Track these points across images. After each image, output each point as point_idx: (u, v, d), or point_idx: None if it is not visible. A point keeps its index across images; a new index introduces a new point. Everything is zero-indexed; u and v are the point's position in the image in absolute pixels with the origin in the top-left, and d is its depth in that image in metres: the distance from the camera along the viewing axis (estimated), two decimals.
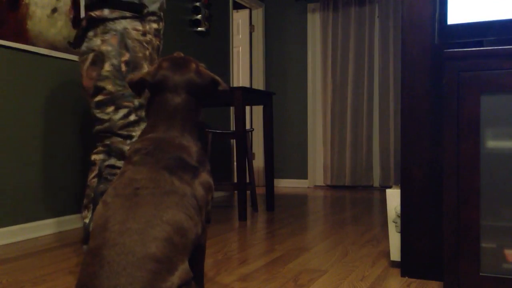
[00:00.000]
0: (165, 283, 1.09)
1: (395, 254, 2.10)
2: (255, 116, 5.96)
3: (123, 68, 1.93)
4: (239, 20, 5.92)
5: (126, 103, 1.95)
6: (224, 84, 1.49)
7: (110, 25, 1.94)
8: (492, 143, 1.64)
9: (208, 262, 2.25)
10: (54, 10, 3.05)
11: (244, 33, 5.92)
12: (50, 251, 2.55)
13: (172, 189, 1.25)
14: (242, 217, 3.43)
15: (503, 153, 1.63)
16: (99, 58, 1.93)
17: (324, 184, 5.61)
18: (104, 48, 1.93)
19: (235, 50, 5.83)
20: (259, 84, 5.81)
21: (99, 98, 1.94)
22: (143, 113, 1.98)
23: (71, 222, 3.18)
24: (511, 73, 1.59)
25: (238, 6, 5.76)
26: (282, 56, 5.79)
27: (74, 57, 3.21)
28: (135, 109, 1.96)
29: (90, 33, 1.97)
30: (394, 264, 2.19)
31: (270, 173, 3.80)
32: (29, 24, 2.89)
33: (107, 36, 1.93)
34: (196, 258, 1.37)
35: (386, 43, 5.30)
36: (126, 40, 1.94)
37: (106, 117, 1.95)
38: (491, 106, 1.63)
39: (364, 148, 5.38)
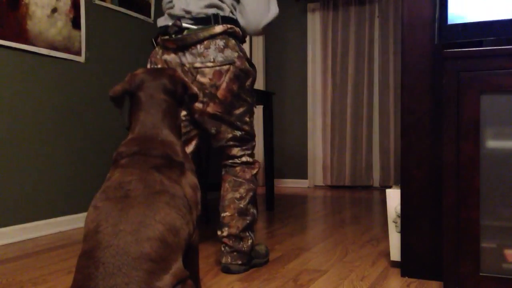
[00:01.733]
0: (161, 281, 1.10)
1: (395, 254, 2.10)
2: (255, 116, 5.96)
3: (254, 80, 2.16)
4: None
5: (253, 110, 2.19)
6: (194, 90, 1.53)
7: (238, 42, 2.08)
8: (492, 143, 1.64)
9: (209, 262, 2.26)
10: (54, 10, 3.05)
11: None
12: (50, 251, 2.55)
13: (162, 188, 1.26)
14: None
15: (503, 153, 1.63)
16: (243, 74, 2.05)
17: (324, 184, 5.61)
18: (245, 65, 2.04)
19: None
20: (258, 84, 5.81)
21: (240, 110, 2.10)
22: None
23: (71, 222, 3.18)
24: (511, 73, 1.59)
25: None
26: (282, 56, 5.79)
27: (74, 57, 3.21)
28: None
29: (219, 42, 2.00)
30: (394, 264, 2.19)
31: (270, 173, 3.80)
32: (29, 24, 2.89)
33: (241, 53, 2.05)
34: (190, 257, 1.38)
35: (386, 43, 5.30)
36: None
37: (246, 126, 2.14)
38: (491, 106, 1.63)
39: (364, 148, 5.38)
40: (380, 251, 2.46)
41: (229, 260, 2.07)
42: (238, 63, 2.01)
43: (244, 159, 2.15)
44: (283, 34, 5.79)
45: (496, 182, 1.63)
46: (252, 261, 2.15)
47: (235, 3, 2.08)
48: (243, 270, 2.09)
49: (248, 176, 2.14)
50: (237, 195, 2.10)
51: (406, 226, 2.00)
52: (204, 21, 2.01)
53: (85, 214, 3.29)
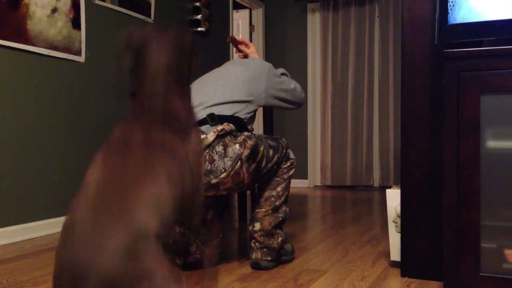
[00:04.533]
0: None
1: (395, 254, 2.10)
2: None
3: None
4: (239, 20, 5.92)
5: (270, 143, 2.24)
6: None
7: (234, 133, 2.09)
8: (492, 143, 1.64)
9: None
10: (54, 10, 3.05)
11: (244, 33, 5.92)
12: (50, 251, 2.55)
13: (163, 147, 1.19)
14: (242, 217, 3.43)
15: (503, 153, 1.63)
16: (253, 155, 2.06)
17: (324, 184, 5.61)
18: (250, 146, 2.04)
19: (235, 50, 5.83)
20: None
21: (268, 166, 2.14)
22: None
23: None
24: (511, 73, 1.59)
25: (238, 6, 5.76)
26: (282, 56, 5.79)
27: (74, 57, 3.21)
28: None
29: (218, 148, 2.02)
30: (394, 264, 2.19)
31: None
32: (29, 24, 2.89)
33: (240, 138, 2.05)
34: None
35: (386, 43, 5.30)
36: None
37: (275, 158, 2.17)
38: (491, 106, 1.63)
39: (364, 148, 5.38)
40: (380, 251, 2.45)
41: (259, 256, 2.14)
42: (245, 152, 2.02)
43: (284, 166, 2.24)
44: (283, 34, 5.79)
45: (496, 182, 1.63)
46: (280, 258, 2.22)
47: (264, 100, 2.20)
48: (272, 267, 2.16)
49: (286, 176, 2.23)
50: (274, 193, 2.19)
51: (406, 226, 1.99)
52: (199, 123, 2.04)
53: None
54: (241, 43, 2.39)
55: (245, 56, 2.41)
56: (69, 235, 1.02)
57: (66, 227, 1.04)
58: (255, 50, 2.41)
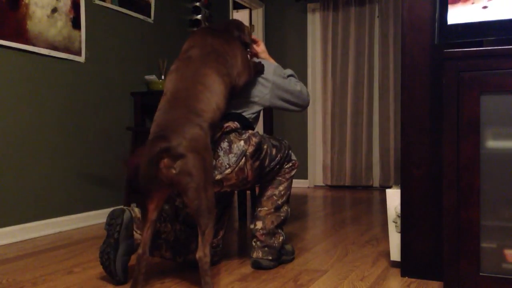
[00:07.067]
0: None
1: (395, 254, 2.10)
2: None
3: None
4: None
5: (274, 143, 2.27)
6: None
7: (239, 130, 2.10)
8: (492, 143, 1.64)
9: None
10: (54, 10, 3.06)
11: None
12: (50, 251, 2.55)
13: (215, 51, 1.91)
14: (242, 217, 3.43)
15: (503, 153, 1.63)
16: (258, 152, 2.05)
17: (324, 184, 5.61)
18: (255, 143, 2.04)
19: None
20: None
21: (271, 165, 2.15)
22: None
23: (71, 222, 3.18)
24: (511, 73, 1.59)
25: (238, 6, 5.76)
26: (282, 56, 5.79)
27: (74, 57, 3.21)
28: None
29: (223, 144, 2.03)
30: (394, 264, 2.19)
31: None
32: (29, 24, 2.89)
33: (245, 135, 2.06)
34: None
35: (386, 43, 5.29)
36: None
37: (278, 157, 2.17)
38: (491, 106, 1.63)
39: (364, 148, 5.37)
40: (380, 251, 2.45)
41: (260, 255, 2.14)
42: (249, 149, 2.02)
43: (286, 166, 2.23)
44: (283, 34, 5.79)
45: (496, 182, 1.63)
46: (281, 257, 2.22)
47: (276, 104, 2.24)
48: (273, 266, 2.16)
49: (288, 176, 2.23)
50: (276, 192, 2.20)
51: (406, 226, 1.99)
52: None
53: (85, 214, 3.29)
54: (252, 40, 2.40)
55: (254, 54, 2.38)
56: (155, 121, 1.73)
57: (154, 119, 1.75)
58: (265, 49, 2.38)
